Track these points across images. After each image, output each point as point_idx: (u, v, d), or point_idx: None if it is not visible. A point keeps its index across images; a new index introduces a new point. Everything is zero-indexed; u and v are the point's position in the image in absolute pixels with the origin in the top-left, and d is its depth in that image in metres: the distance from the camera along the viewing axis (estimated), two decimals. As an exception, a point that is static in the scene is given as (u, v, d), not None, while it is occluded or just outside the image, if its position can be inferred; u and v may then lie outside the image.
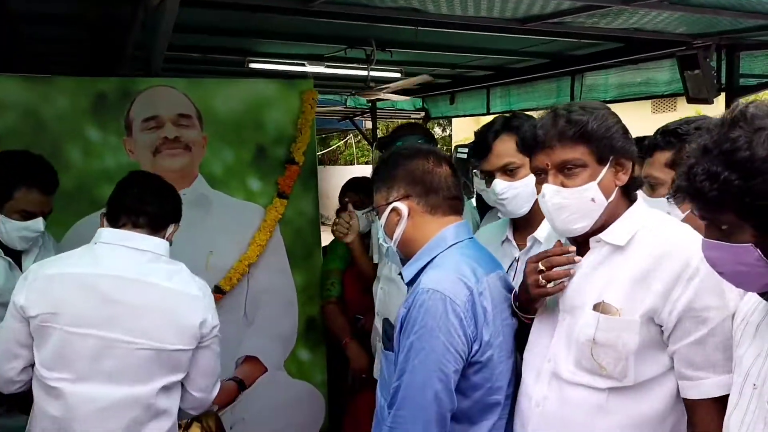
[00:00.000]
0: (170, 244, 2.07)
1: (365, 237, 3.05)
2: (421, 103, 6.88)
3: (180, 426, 2.59)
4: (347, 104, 6.90)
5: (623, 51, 4.16)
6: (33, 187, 2.24)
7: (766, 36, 3.67)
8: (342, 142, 14.29)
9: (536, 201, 2.06)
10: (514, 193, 2.03)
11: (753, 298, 1.31)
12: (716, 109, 3.67)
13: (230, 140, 3.02)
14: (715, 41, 3.67)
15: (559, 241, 1.60)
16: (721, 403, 1.35)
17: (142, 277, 1.90)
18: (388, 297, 2.77)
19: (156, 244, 1.98)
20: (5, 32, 3.64)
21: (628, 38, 3.75)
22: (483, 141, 2.06)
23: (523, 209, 2.05)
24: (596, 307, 1.48)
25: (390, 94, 4.92)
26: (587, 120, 1.49)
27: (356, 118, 7.76)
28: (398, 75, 4.80)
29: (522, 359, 1.66)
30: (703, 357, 1.41)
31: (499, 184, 2.00)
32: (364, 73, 4.43)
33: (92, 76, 3.02)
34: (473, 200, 3.22)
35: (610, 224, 1.54)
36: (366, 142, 11.18)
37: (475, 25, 3.29)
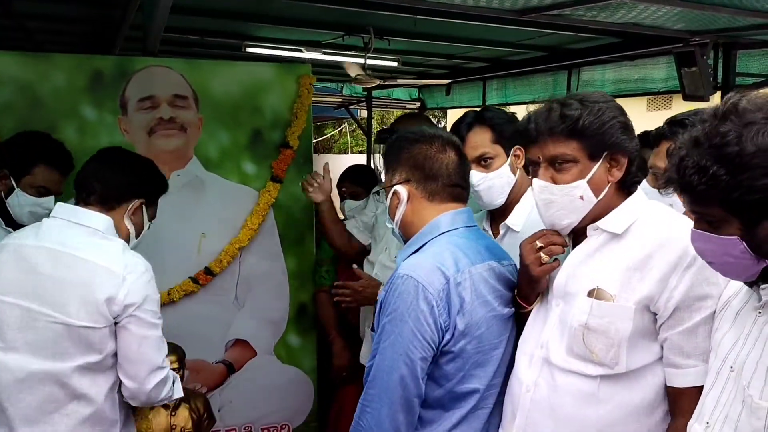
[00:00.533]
0: (139, 222, 2.06)
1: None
2: (417, 94, 6.88)
3: (168, 407, 2.60)
4: (343, 92, 6.89)
5: (621, 46, 4.16)
6: (52, 166, 2.35)
7: (764, 35, 3.68)
8: (337, 131, 14.25)
9: (511, 190, 2.08)
10: (489, 184, 2.06)
11: (736, 283, 1.34)
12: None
13: (226, 123, 3.01)
14: (713, 39, 3.68)
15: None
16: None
17: (72, 251, 1.89)
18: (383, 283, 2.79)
19: (97, 220, 1.96)
20: (3, 11, 3.60)
21: (626, 33, 3.76)
22: (457, 133, 2.09)
23: (499, 200, 2.08)
24: (590, 293, 1.50)
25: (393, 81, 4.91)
26: (580, 115, 1.49)
27: (352, 107, 7.75)
28: (395, 64, 4.79)
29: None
30: (694, 345, 1.43)
31: (475, 175, 2.02)
32: (361, 61, 4.41)
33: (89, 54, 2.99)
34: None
35: (603, 215, 1.55)
36: (361, 132, 11.18)
37: (474, 15, 3.29)
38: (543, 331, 1.59)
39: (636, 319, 1.45)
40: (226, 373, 3.07)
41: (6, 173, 2.34)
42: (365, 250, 2.97)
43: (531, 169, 1.60)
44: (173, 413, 2.60)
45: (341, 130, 14.40)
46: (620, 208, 1.55)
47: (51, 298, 1.85)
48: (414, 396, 1.55)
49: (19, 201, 2.32)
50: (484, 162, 2.07)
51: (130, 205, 2.03)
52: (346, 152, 14.33)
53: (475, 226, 1.77)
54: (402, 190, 1.71)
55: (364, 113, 8.38)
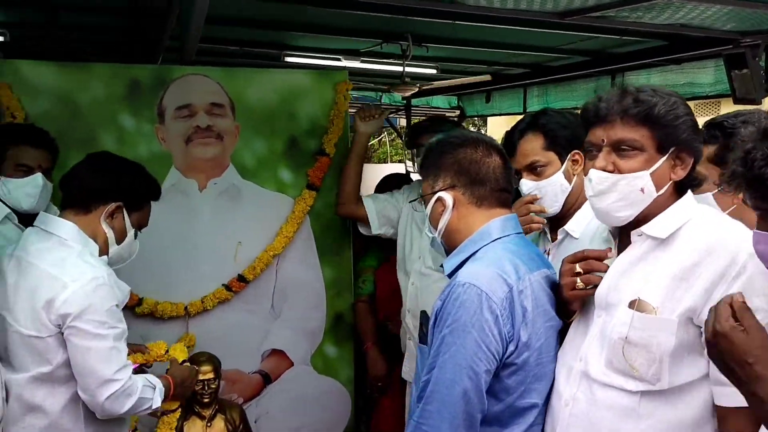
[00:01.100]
0: (120, 227, 2.01)
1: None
2: (456, 101, 6.81)
3: (203, 417, 2.58)
4: (381, 101, 6.87)
5: (666, 49, 4.01)
6: (21, 143, 2.33)
7: (820, 35, 3.51)
8: (376, 140, 14.26)
9: (571, 196, 2.01)
10: (542, 192, 2.00)
11: None
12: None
13: (262, 130, 3.00)
14: (765, 39, 3.52)
15: (610, 249, 1.53)
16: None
17: (30, 258, 1.87)
18: (420, 292, 2.73)
19: (61, 226, 1.93)
20: (43, 20, 3.68)
21: (672, 35, 3.62)
22: (509, 140, 2.05)
23: (552, 209, 2.01)
24: (631, 305, 1.41)
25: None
26: (656, 102, 1.41)
27: (390, 116, 7.71)
28: (434, 71, 4.74)
29: None
30: None
31: (525, 183, 1.99)
32: (399, 68, 4.37)
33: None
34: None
35: (654, 217, 1.46)
36: (400, 140, 11.14)
37: (514, 19, 3.21)
38: (583, 343, 1.51)
39: (680, 333, 1.36)
40: (262, 383, 3.04)
41: None
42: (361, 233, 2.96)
43: (589, 154, 1.51)
44: (209, 424, 2.58)
45: (381, 139, 14.40)
46: (668, 211, 1.45)
47: (12, 306, 1.84)
48: (477, 411, 1.47)
49: (9, 188, 2.30)
50: (535, 170, 2.02)
51: (107, 208, 1.98)
52: (385, 161, 14.32)
53: (521, 232, 1.70)
54: (447, 196, 1.63)
55: (403, 122, 8.34)
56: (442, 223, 1.65)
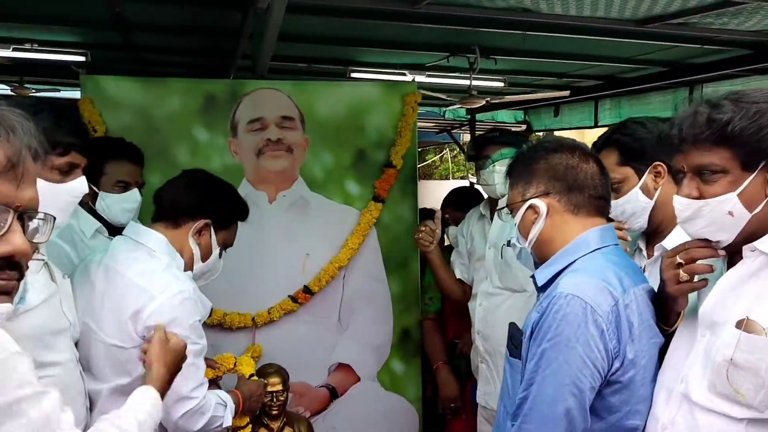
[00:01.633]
0: (207, 244, 2.00)
1: (445, 251, 2.92)
2: (522, 116, 6.69)
3: (272, 429, 2.56)
4: (445, 116, 6.82)
5: (751, 59, 3.82)
6: (121, 158, 2.39)
7: None
8: (438, 156, 14.22)
9: (656, 209, 1.89)
10: (620, 210, 1.89)
11: None
12: None
13: (331, 143, 3.00)
14: None
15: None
16: None
17: (118, 266, 1.87)
18: (488, 313, 2.63)
19: (151, 237, 1.94)
20: (120, 41, 3.82)
21: (759, 44, 3.44)
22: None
23: (636, 226, 1.89)
24: (739, 324, 1.29)
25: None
26: (731, 119, 1.28)
27: (454, 131, 7.66)
28: (501, 84, 4.66)
29: None
30: None
31: None
32: (466, 82, 4.32)
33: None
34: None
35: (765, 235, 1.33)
36: (462, 157, 11.05)
37: (589, 28, 3.12)
38: (684, 363, 1.40)
39: None
40: (329, 397, 3.01)
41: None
42: None
43: (676, 176, 1.42)
44: (276, 437, 2.56)
45: (442, 156, 14.35)
46: None
47: (98, 314, 1.84)
48: (580, 430, 1.39)
49: (107, 203, 2.35)
50: (612, 188, 1.90)
51: (196, 225, 1.98)
52: (447, 178, 14.24)
53: (619, 244, 1.60)
54: (540, 203, 1.55)
55: (466, 137, 8.26)
56: (534, 233, 1.56)
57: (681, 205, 1.36)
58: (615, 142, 1.95)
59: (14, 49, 3.93)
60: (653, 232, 1.92)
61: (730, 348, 1.28)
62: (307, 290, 2.95)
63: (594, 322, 1.37)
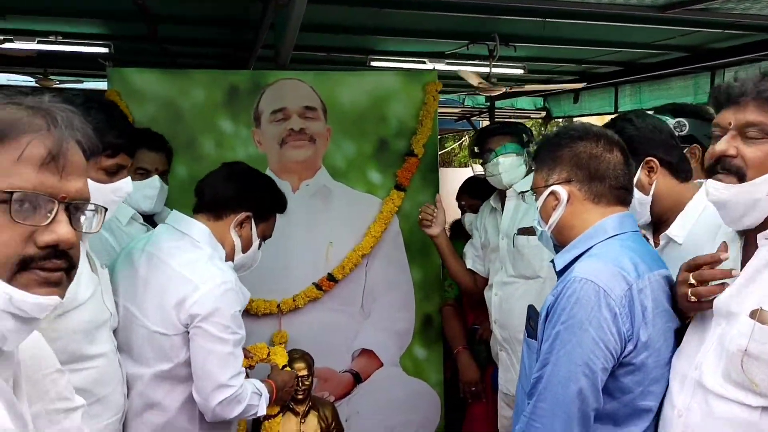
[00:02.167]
0: (247, 236, 2.05)
1: (459, 237, 2.93)
2: (542, 103, 6.67)
3: (297, 413, 2.63)
4: (465, 104, 6.82)
5: (773, 42, 3.79)
6: (140, 147, 2.37)
7: None
8: (457, 144, 14.17)
9: (656, 203, 1.86)
10: None
11: None
12: None
13: (353, 132, 3.03)
14: None
15: (724, 243, 1.41)
16: None
17: (161, 255, 1.92)
18: (504, 301, 2.67)
19: (194, 227, 1.98)
20: (143, 32, 3.88)
21: (782, 27, 3.41)
22: None
23: (641, 220, 1.85)
24: (753, 315, 1.29)
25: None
26: None
27: (473, 119, 7.65)
28: (521, 71, 4.66)
29: None
30: None
31: None
32: (486, 69, 4.33)
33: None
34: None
35: None
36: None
37: (610, 15, 3.11)
38: (699, 351, 1.41)
39: None
40: (353, 382, 3.06)
41: None
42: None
43: (714, 137, 1.38)
44: (303, 420, 2.62)
45: (461, 143, 14.30)
46: None
47: (141, 301, 1.89)
48: (592, 409, 1.43)
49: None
50: None
51: (237, 217, 2.03)
52: (466, 165, 14.19)
53: (638, 231, 1.62)
54: (562, 190, 1.58)
55: (485, 125, 8.25)
56: (554, 218, 1.59)
57: (714, 188, 1.34)
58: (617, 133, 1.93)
59: (39, 42, 4.01)
60: (658, 223, 1.92)
61: (745, 338, 1.28)
62: (331, 278, 3.00)
63: (607, 305, 1.40)
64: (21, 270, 0.87)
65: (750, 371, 1.27)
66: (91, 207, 0.96)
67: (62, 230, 0.89)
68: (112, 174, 1.78)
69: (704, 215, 1.73)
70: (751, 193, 1.31)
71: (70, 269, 0.92)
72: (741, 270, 1.37)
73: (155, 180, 2.45)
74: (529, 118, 7.53)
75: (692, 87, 4.78)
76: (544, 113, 6.66)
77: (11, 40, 4.00)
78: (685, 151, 1.90)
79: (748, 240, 1.38)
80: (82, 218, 0.95)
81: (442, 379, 3.17)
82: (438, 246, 2.85)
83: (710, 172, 1.38)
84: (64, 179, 0.91)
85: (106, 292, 1.79)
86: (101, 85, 5.43)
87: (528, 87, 4.77)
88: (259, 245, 2.14)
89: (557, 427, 1.41)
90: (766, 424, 1.28)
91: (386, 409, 3.07)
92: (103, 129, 1.63)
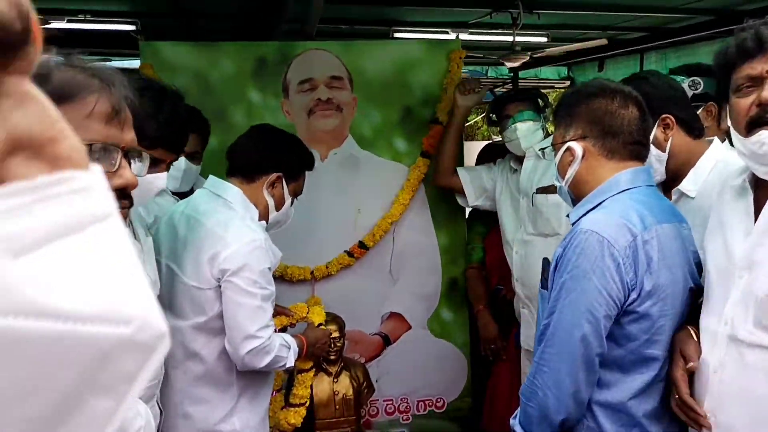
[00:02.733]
0: (279, 195, 2.13)
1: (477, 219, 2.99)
2: (566, 72, 6.62)
3: (330, 374, 2.73)
4: (488, 75, 6.80)
5: (804, 3, 3.73)
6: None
7: None
8: (480, 117, 14.10)
9: (671, 159, 1.89)
10: None
11: None
12: None
13: (378, 101, 3.09)
14: None
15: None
16: None
17: (198, 216, 2.02)
18: (525, 260, 2.75)
19: (227, 190, 2.07)
20: (166, 8, 3.95)
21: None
22: None
23: (656, 177, 1.88)
24: None
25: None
26: None
27: (496, 89, 7.62)
28: (545, 39, 4.64)
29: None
30: None
31: None
32: (509, 38, 4.33)
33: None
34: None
35: None
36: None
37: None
38: (725, 307, 1.44)
39: None
40: (382, 344, 3.16)
41: None
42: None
43: (739, 90, 1.37)
44: (335, 380, 2.73)
45: (484, 116, 14.24)
46: None
47: (179, 259, 2.01)
48: (595, 354, 1.50)
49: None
50: None
51: (269, 178, 2.12)
52: (489, 138, 14.14)
53: (655, 186, 1.67)
54: (577, 146, 1.62)
55: (508, 96, 8.18)
56: (570, 173, 1.64)
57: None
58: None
59: (68, 20, 4.10)
60: (670, 179, 1.95)
61: None
62: (362, 245, 3.08)
63: (611, 255, 1.45)
64: None
65: None
66: (141, 155, 1.09)
67: (128, 174, 1.02)
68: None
69: (715, 171, 1.79)
70: None
71: (131, 206, 1.10)
72: (755, 221, 1.39)
73: (180, 161, 2.49)
74: (553, 88, 7.47)
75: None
76: (568, 83, 6.61)
77: (46, 21, 4.10)
78: (700, 110, 1.92)
79: (760, 192, 1.40)
80: (134, 164, 1.08)
81: (468, 340, 3.25)
82: (453, 119, 3.00)
83: (755, 124, 1.34)
84: (124, 131, 1.04)
85: (148, 261, 1.87)
86: (127, 63, 5.53)
87: (549, 51, 4.74)
88: (291, 202, 2.23)
89: (563, 371, 1.49)
90: None
91: (415, 369, 3.17)
92: (147, 118, 1.72)
